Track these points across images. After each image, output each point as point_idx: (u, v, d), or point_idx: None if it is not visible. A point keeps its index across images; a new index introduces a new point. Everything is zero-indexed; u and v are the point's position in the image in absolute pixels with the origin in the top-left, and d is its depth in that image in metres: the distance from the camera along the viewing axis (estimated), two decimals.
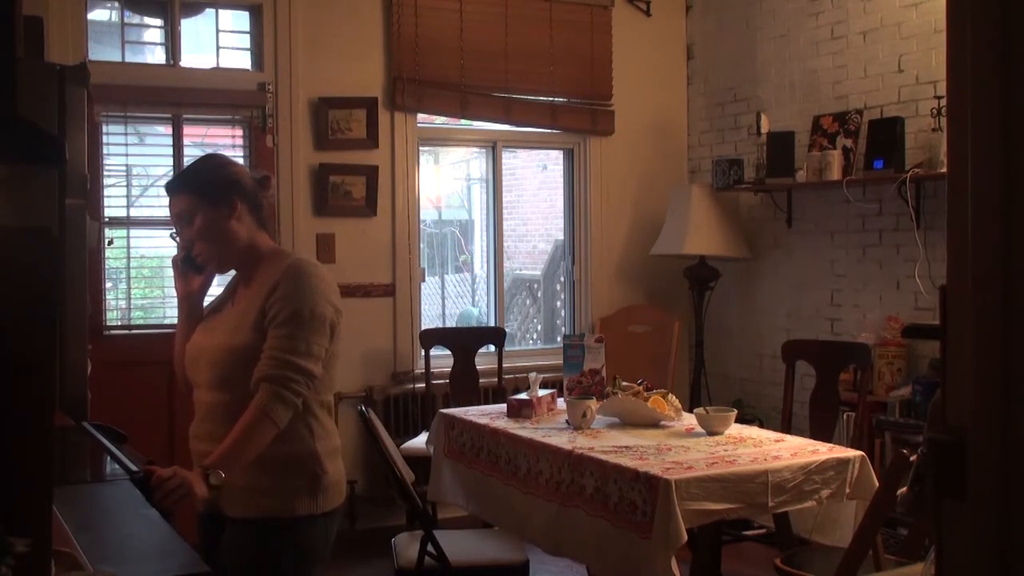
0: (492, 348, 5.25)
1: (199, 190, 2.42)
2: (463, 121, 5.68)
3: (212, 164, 2.53)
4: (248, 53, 5.16)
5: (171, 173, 4.95)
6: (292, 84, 5.09)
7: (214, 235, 2.43)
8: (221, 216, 2.42)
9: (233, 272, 2.60)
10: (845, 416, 4.41)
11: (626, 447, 3.22)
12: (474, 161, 6.21)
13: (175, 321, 2.74)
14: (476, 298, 6.37)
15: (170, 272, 4.90)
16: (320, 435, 2.41)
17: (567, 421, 3.62)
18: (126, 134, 4.87)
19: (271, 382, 2.28)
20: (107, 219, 4.78)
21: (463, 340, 5.19)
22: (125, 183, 4.90)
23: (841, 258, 5.07)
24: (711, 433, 3.44)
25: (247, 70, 5.12)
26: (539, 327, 6.45)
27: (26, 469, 1.32)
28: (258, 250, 2.48)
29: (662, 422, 3.61)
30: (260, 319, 2.35)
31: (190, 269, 2.53)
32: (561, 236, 6.07)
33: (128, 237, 4.89)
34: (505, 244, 5.84)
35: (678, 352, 5.49)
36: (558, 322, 6.18)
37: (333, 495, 2.42)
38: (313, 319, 2.34)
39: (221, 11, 5.12)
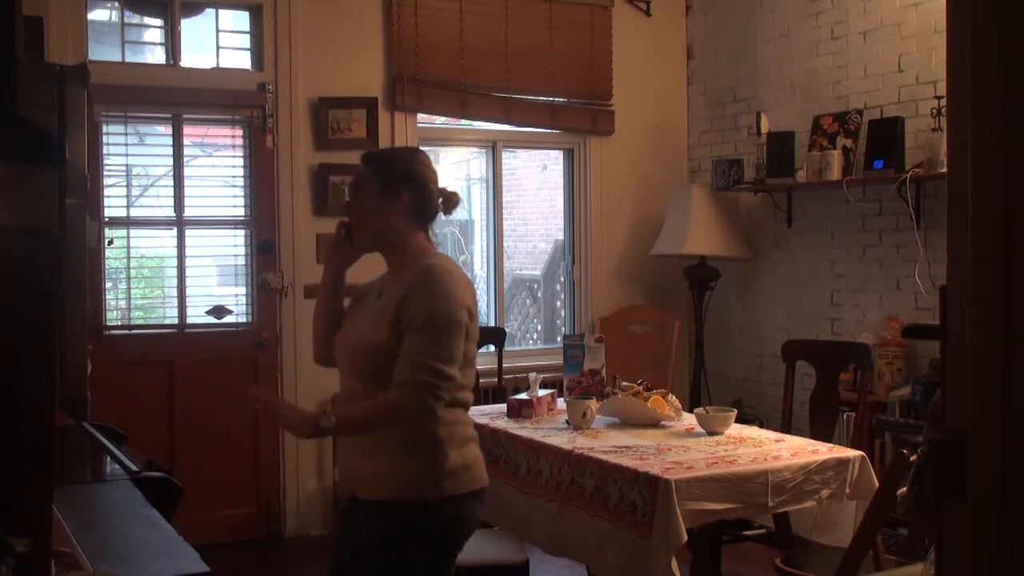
0: (492, 348, 5.25)
1: (379, 169, 2.54)
2: (463, 121, 5.67)
3: (405, 155, 2.67)
4: (248, 53, 5.15)
5: (171, 173, 4.96)
6: (292, 84, 5.09)
7: (371, 214, 2.52)
8: (384, 200, 2.50)
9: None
10: (845, 416, 4.40)
11: (626, 447, 3.22)
12: (474, 161, 6.21)
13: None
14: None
15: (169, 272, 4.98)
16: (444, 422, 2.43)
17: (567, 421, 3.62)
18: (126, 134, 4.87)
19: (416, 387, 2.33)
20: (107, 219, 4.78)
21: None
22: (125, 183, 4.90)
23: (841, 258, 5.07)
24: (711, 433, 3.44)
25: (247, 70, 5.12)
26: (539, 327, 6.44)
27: (26, 469, 1.32)
28: (406, 247, 2.54)
29: (662, 422, 3.61)
30: (395, 319, 2.40)
31: (346, 238, 2.61)
32: (561, 236, 6.07)
33: (128, 237, 4.89)
34: (505, 244, 5.84)
35: (678, 352, 5.49)
36: (558, 322, 6.18)
37: (460, 481, 2.45)
38: (450, 323, 2.38)
39: (221, 11, 5.11)
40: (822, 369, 3.96)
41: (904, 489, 2.05)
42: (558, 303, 6.22)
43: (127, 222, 4.89)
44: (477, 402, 4.79)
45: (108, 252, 4.78)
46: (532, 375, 3.98)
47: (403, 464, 2.41)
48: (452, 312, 2.38)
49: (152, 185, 5.07)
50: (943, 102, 4.27)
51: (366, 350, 2.44)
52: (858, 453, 3.25)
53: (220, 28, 5.09)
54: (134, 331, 4.91)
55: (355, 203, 2.57)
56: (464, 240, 6.59)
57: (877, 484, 3.07)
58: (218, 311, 5.00)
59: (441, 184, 2.62)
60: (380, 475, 2.43)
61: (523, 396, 3.86)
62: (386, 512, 2.43)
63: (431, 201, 2.57)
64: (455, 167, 6.61)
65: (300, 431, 2.36)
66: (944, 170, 3.85)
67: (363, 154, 2.63)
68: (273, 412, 2.39)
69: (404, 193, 2.50)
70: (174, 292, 4.94)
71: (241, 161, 5.12)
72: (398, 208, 2.51)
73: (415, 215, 2.54)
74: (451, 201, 2.62)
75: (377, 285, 2.62)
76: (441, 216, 2.65)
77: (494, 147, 5.74)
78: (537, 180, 6.64)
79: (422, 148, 5.48)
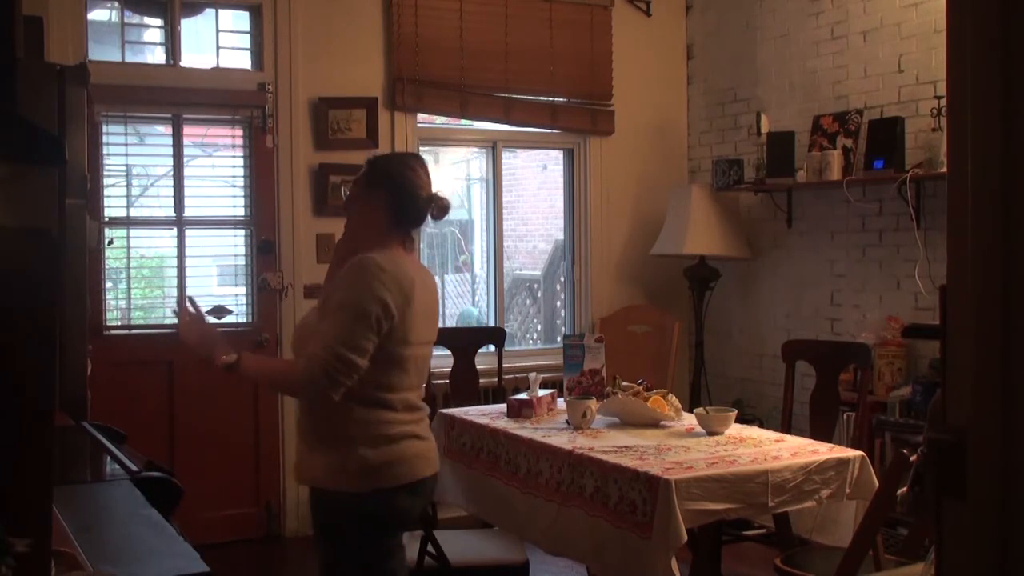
0: (492, 348, 5.24)
1: (368, 169, 2.69)
2: (463, 121, 5.67)
3: (394, 158, 2.87)
4: (248, 53, 5.15)
5: (171, 173, 4.96)
6: (292, 84, 5.09)
7: (354, 205, 2.68)
8: (366, 198, 2.64)
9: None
10: (845, 416, 4.40)
11: (626, 447, 3.22)
12: (474, 161, 6.20)
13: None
14: (476, 298, 6.36)
15: (169, 272, 4.98)
16: (359, 421, 2.50)
17: (567, 421, 3.62)
18: (126, 134, 4.87)
19: (314, 363, 2.41)
20: (107, 219, 4.78)
21: (463, 340, 5.17)
22: (125, 183, 4.90)
23: (841, 258, 5.07)
24: (711, 433, 3.44)
25: (247, 70, 5.12)
26: (539, 327, 6.44)
27: (26, 469, 1.32)
28: (367, 243, 2.60)
29: (662, 422, 3.61)
30: (322, 305, 2.57)
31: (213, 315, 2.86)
32: (561, 236, 6.07)
33: (128, 237, 4.89)
34: (505, 244, 5.83)
35: (678, 352, 5.49)
36: (558, 322, 6.17)
37: (379, 477, 2.50)
38: (357, 313, 2.44)
39: (221, 11, 5.11)
40: (822, 369, 3.96)
41: (904, 489, 2.04)
42: (558, 303, 6.22)
43: (127, 222, 4.89)
44: (477, 402, 4.80)
45: (108, 252, 4.78)
46: (532, 375, 3.98)
47: (319, 457, 2.52)
48: (360, 302, 2.44)
49: (152, 185, 5.07)
50: (943, 102, 4.27)
51: (298, 333, 2.66)
52: (858, 453, 3.25)
53: (220, 28, 5.09)
54: (134, 331, 4.91)
55: (348, 201, 2.71)
56: (464, 240, 6.59)
57: (877, 484, 3.07)
58: (218, 311, 4.98)
59: (435, 189, 2.70)
60: (302, 465, 2.59)
61: (523, 396, 3.86)
62: (313, 500, 2.59)
63: (410, 204, 2.64)
64: (455, 167, 6.61)
65: (207, 357, 2.58)
66: (944, 170, 3.85)
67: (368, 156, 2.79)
68: (193, 332, 2.63)
69: (382, 193, 2.62)
70: (174, 292, 4.94)
71: (241, 161, 5.12)
72: (377, 207, 2.61)
73: (392, 216, 2.62)
74: (440, 207, 2.70)
75: None
76: (430, 220, 2.74)
77: (494, 147, 5.74)
78: (537, 180, 6.64)
79: (422, 150, 5.52)
